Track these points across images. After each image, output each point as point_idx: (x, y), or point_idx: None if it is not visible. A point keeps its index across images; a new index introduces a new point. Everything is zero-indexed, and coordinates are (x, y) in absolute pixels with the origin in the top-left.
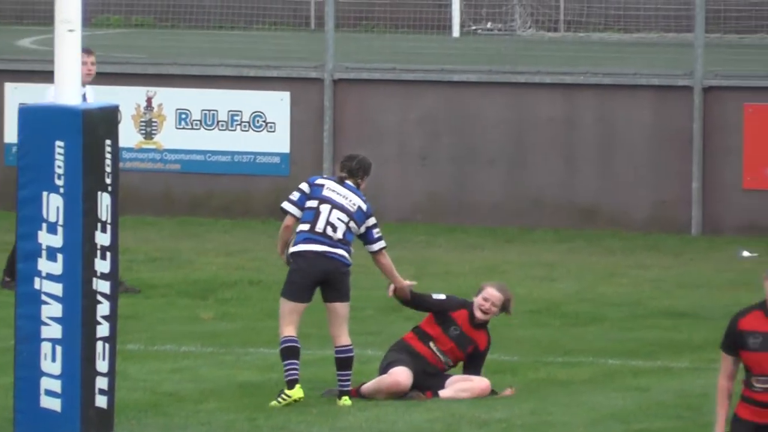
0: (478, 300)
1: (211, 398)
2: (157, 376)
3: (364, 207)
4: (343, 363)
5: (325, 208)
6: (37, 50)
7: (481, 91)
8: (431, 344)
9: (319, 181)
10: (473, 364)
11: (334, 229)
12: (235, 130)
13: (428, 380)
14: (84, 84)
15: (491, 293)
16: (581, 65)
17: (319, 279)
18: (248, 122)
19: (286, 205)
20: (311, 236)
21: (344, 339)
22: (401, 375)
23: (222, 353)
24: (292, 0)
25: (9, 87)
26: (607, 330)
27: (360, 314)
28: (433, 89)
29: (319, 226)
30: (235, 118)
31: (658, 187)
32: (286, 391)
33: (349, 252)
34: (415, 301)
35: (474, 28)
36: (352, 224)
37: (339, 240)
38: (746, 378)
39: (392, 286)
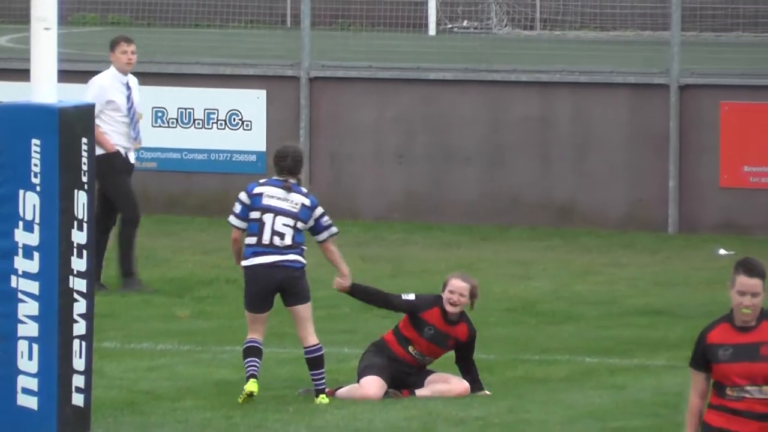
0: (445, 295)
1: (187, 396)
2: (133, 375)
3: (307, 202)
4: (314, 362)
5: (268, 218)
6: (14, 48)
7: (458, 89)
8: (409, 348)
9: (257, 189)
10: (462, 356)
11: (281, 236)
12: (211, 128)
13: (408, 378)
14: (126, 73)
15: (456, 285)
16: (557, 63)
17: (274, 288)
18: (224, 120)
19: (231, 219)
20: (259, 249)
21: (311, 339)
22: (371, 389)
23: (198, 351)
24: None
25: None
26: (584, 328)
27: (335, 312)
28: (409, 87)
29: (266, 238)
30: (212, 116)
31: (635, 186)
32: (244, 386)
33: (300, 253)
34: (380, 298)
35: (450, 26)
36: (299, 224)
37: (288, 246)
38: (717, 389)
39: (340, 279)
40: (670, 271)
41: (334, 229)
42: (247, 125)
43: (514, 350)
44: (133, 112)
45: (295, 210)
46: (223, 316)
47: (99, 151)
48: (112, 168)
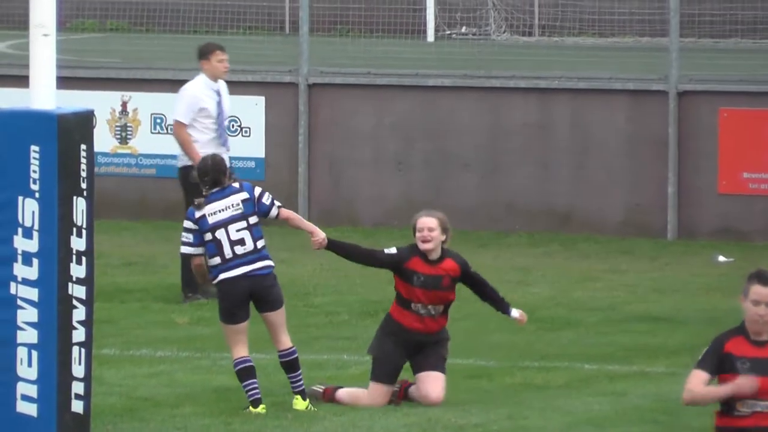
0: (417, 237)
1: (186, 403)
2: (132, 381)
3: (245, 195)
4: (290, 365)
5: (221, 233)
6: (12, 54)
7: (456, 95)
8: (411, 306)
9: (198, 214)
10: (474, 289)
11: (242, 242)
12: None
13: (423, 348)
14: (218, 80)
15: (422, 222)
16: (556, 70)
17: (246, 298)
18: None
19: (185, 249)
20: (225, 266)
21: (285, 343)
22: (378, 398)
23: (197, 358)
24: (267, 4)
25: None
26: (583, 335)
27: (335, 319)
28: (407, 94)
29: (227, 253)
30: None
31: (634, 192)
32: (251, 409)
33: (266, 255)
34: (363, 253)
35: (448, 32)
36: (251, 219)
37: (251, 251)
38: (724, 408)
39: (313, 239)
40: (669, 278)
41: (278, 202)
42: (245, 131)
43: (513, 357)
44: (222, 119)
45: (240, 210)
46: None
47: (186, 162)
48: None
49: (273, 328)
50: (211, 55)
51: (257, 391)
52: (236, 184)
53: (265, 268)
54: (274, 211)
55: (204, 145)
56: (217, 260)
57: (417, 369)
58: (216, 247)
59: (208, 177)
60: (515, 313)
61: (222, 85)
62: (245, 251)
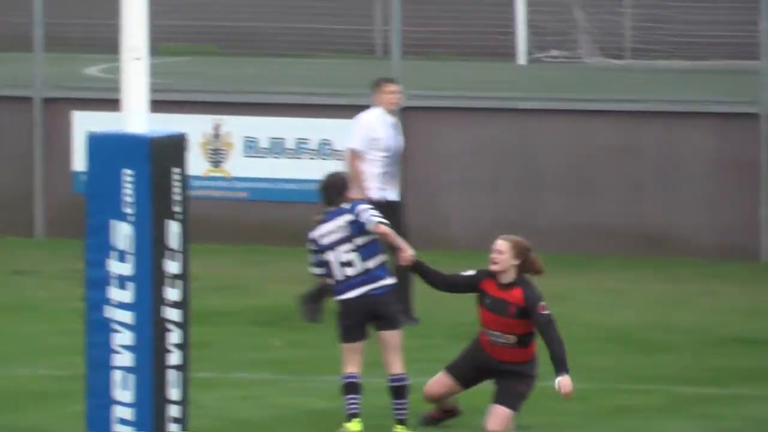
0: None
1: (281, 425)
2: (228, 404)
3: (350, 217)
4: (397, 391)
5: (331, 255)
6: (104, 78)
7: (547, 118)
8: (486, 331)
9: (312, 234)
10: (540, 332)
11: (350, 264)
12: (302, 157)
13: (500, 378)
14: (390, 113)
15: (495, 243)
16: (646, 93)
17: (360, 318)
18: (316, 150)
19: (311, 270)
20: (338, 288)
21: (395, 367)
22: (432, 386)
23: (292, 380)
24: (357, 28)
25: (77, 115)
26: (677, 357)
27: (428, 342)
28: (499, 117)
29: (338, 275)
30: (303, 145)
31: (725, 214)
32: (345, 425)
33: (380, 275)
34: (443, 278)
35: (539, 55)
36: (358, 240)
37: (361, 273)
38: None
39: (401, 254)
40: (763, 300)
41: (376, 217)
42: (339, 155)
43: (608, 379)
44: (394, 151)
45: (346, 233)
46: (316, 345)
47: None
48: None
49: (385, 348)
50: (379, 87)
51: (356, 405)
52: (347, 205)
53: (377, 288)
54: (371, 226)
55: (372, 178)
56: (332, 281)
57: (492, 398)
58: (329, 268)
59: (324, 195)
60: (559, 380)
61: (394, 119)
62: (354, 273)
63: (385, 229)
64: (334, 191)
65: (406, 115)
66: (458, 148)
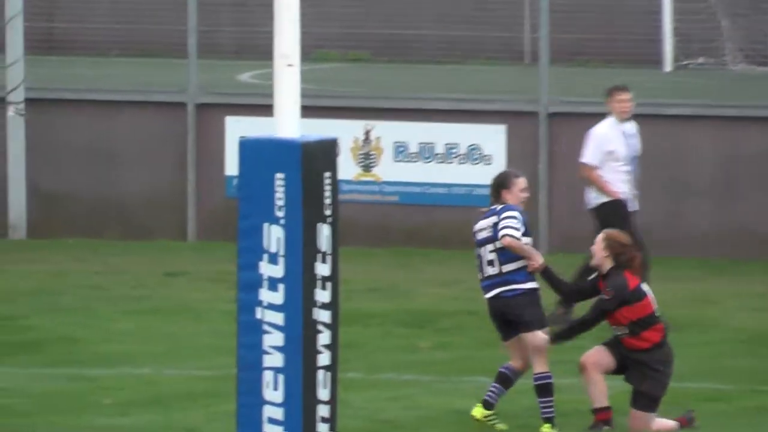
0: None
1: (428, 426)
2: (376, 404)
3: (495, 219)
4: (539, 389)
5: (479, 251)
6: (257, 84)
7: (693, 124)
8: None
9: (474, 228)
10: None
11: (491, 264)
12: (452, 162)
13: (628, 367)
14: (623, 120)
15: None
16: None
17: (502, 319)
18: (465, 155)
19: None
20: (482, 285)
21: (537, 366)
22: (589, 357)
23: (439, 381)
24: (506, 35)
25: (229, 120)
26: None
27: (573, 344)
28: (646, 122)
29: (483, 272)
30: (452, 150)
31: None
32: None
33: (514, 279)
34: (570, 287)
35: (685, 62)
36: (498, 244)
37: (496, 274)
38: None
39: (530, 262)
40: None
41: (505, 231)
42: (487, 160)
43: (750, 381)
44: (632, 159)
45: (490, 234)
46: (464, 347)
47: (603, 199)
48: (616, 214)
49: (528, 349)
50: (611, 95)
51: (492, 394)
52: (499, 206)
53: (509, 291)
54: (498, 234)
55: (614, 184)
56: (479, 275)
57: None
58: (478, 263)
59: (489, 192)
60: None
61: (630, 125)
62: (492, 273)
63: (510, 242)
64: (494, 189)
65: (554, 120)
66: None
